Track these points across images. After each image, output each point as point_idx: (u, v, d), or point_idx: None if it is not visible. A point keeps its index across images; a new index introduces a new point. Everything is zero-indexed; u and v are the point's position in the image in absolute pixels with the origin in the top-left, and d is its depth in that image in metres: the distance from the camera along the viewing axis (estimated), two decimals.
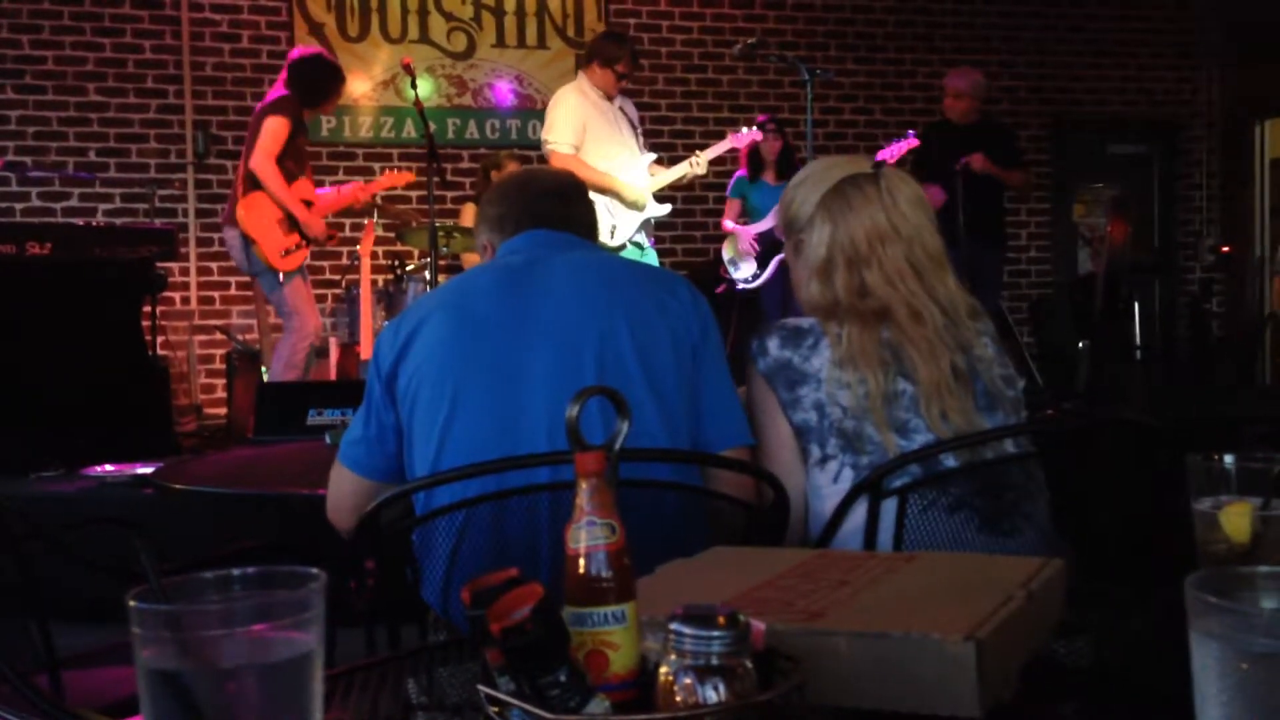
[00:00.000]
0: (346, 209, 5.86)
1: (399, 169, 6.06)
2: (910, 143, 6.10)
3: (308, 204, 5.37)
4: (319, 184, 5.67)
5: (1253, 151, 9.02)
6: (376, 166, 7.42)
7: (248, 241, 5.26)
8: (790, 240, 1.92)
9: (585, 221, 1.97)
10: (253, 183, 5.22)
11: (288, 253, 5.28)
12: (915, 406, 1.74)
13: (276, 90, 5.36)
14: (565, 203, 1.94)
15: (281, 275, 5.29)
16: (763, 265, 6.70)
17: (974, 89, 6.44)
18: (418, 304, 1.83)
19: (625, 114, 5.60)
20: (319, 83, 5.36)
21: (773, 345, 1.80)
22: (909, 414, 1.74)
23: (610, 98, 5.50)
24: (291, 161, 5.29)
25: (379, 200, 6.08)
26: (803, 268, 1.89)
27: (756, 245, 6.68)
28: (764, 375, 1.80)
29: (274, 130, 5.17)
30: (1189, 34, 9.05)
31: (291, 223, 5.27)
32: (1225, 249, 9.05)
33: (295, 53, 5.58)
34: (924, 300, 1.80)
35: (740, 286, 6.72)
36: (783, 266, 6.79)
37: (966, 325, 1.82)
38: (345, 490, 1.83)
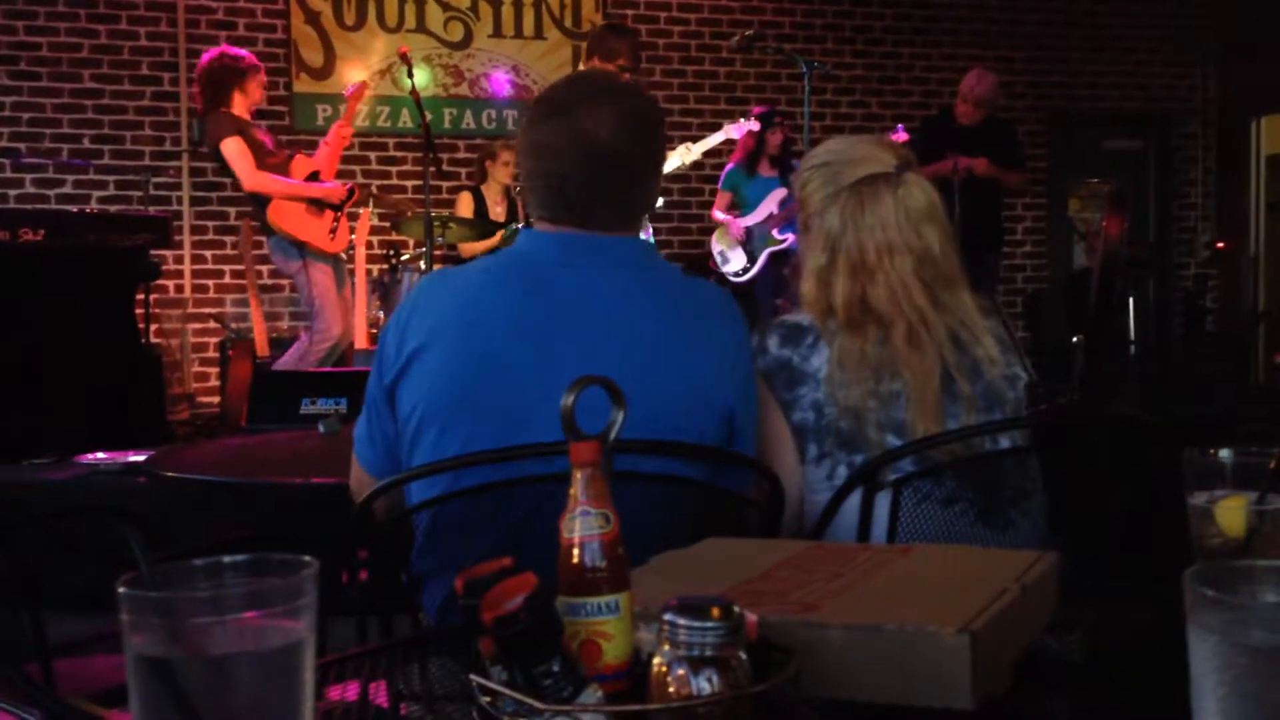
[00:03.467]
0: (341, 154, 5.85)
1: (355, 84, 5.98)
2: (899, 136, 6.07)
3: (315, 175, 5.44)
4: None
5: (1249, 148, 9.02)
6: (372, 155, 7.41)
7: (297, 243, 5.33)
8: (801, 218, 1.87)
9: (620, 196, 1.65)
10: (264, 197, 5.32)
11: (333, 232, 5.38)
12: (908, 409, 1.74)
13: (198, 106, 5.50)
14: (595, 176, 1.62)
15: (341, 256, 5.40)
16: (752, 259, 6.69)
17: (992, 91, 6.42)
18: (424, 308, 1.63)
19: None
20: (213, 81, 5.36)
21: (772, 344, 1.79)
22: (907, 414, 1.74)
23: None
24: (269, 157, 5.33)
25: (375, 190, 6.08)
26: (807, 253, 1.84)
27: (746, 236, 6.67)
28: (763, 374, 1.78)
29: (235, 152, 5.22)
30: (1186, 30, 9.05)
31: (317, 204, 5.34)
32: (1220, 245, 9.06)
33: (201, 60, 5.56)
34: (929, 317, 1.76)
35: (731, 280, 6.70)
36: (773, 259, 6.84)
37: (975, 325, 1.80)
38: (364, 481, 1.74)
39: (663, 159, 1.74)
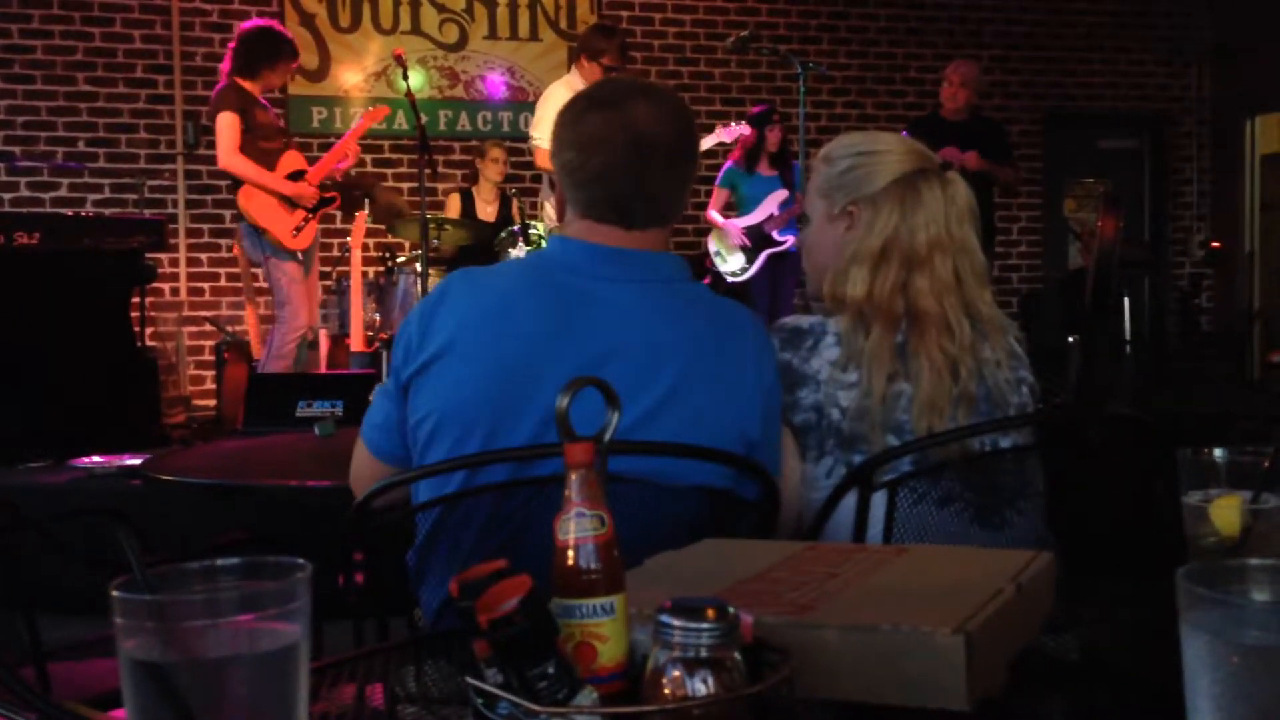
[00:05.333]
0: (343, 172, 5.84)
1: (373, 108, 6.03)
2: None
3: (301, 174, 5.38)
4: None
5: (1243, 147, 9.04)
6: (368, 158, 7.41)
7: (258, 230, 5.28)
8: (837, 205, 1.83)
9: (663, 191, 1.66)
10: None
11: (298, 230, 5.32)
12: (912, 408, 1.74)
13: (224, 66, 5.38)
14: (642, 168, 1.63)
15: (300, 254, 5.34)
16: (751, 260, 6.68)
17: (977, 80, 6.46)
18: (450, 309, 1.62)
19: None
20: (254, 49, 5.32)
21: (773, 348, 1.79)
22: (907, 415, 1.73)
23: None
24: (264, 140, 5.29)
25: (375, 192, 6.08)
26: (845, 245, 1.80)
27: (747, 240, 6.67)
28: None
29: (225, 126, 5.20)
30: (1181, 29, 9.07)
31: (289, 200, 5.30)
32: (1215, 244, 9.07)
33: (243, 25, 5.57)
34: (958, 315, 1.76)
35: (728, 280, 6.70)
36: (771, 260, 6.85)
37: (993, 339, 1.80)
38: (365, 473, 1.72)
39: (698, 159, 1.75)
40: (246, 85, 5.31)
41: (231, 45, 5.39)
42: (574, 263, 1.65)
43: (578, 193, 1.66)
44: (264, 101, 5.41)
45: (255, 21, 5.53)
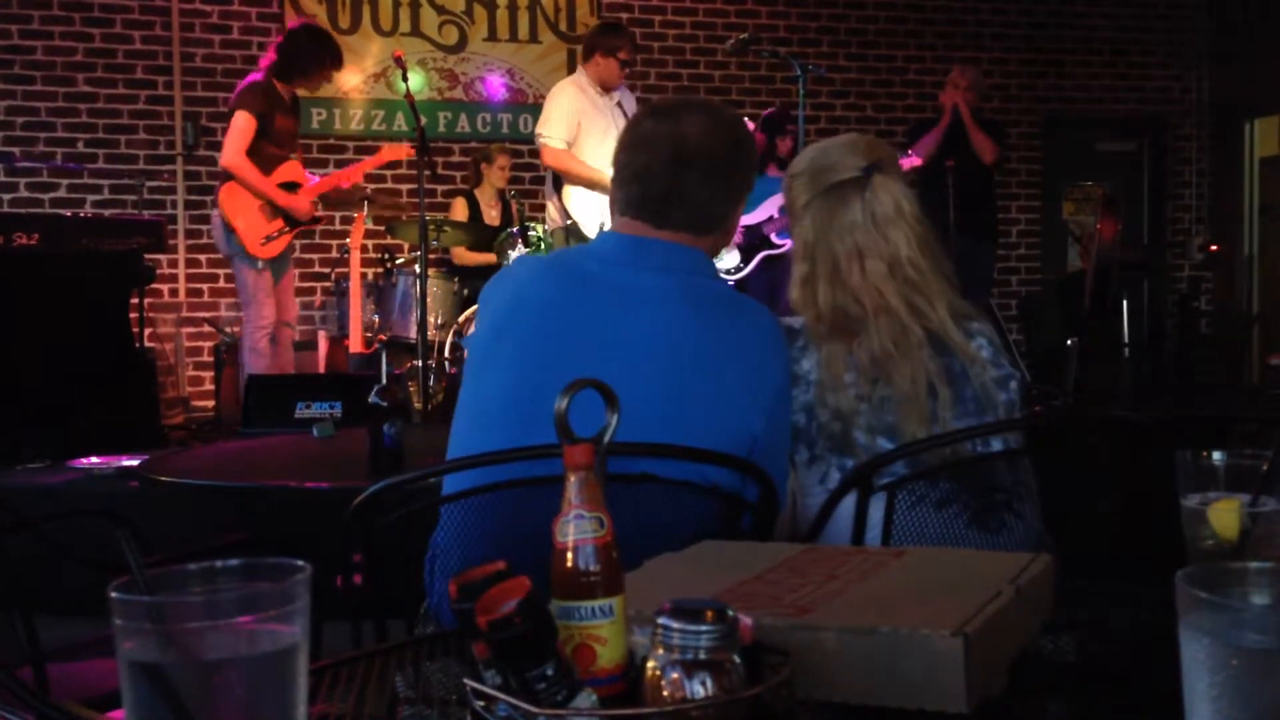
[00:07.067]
0: (342, 195, 5.84)
1: (395, 145, 6.05)
2: (913, 160, 6.06)
3: (294, 185, 5.36)
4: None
5: (1242, 150, 9.04)
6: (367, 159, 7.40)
7: (229, 228, 5.26)
8: (790, 226, 1.93)
9: (699, 196, 1.72)
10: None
11: (268, 240, 5.28)
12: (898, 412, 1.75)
13: (265, 60, 5.35)
14: (680, 171, 1.70)
15: (260, 263, 5.31)
16: (746, 259, 6.68)
17: (979, 84, 6.52)
18: (489, 296, 1.77)
19: (623, 109, 5.57)
20: (300, 54, 5.29)
21: None
22: (896, 416, 1.74)
23: (609, 90, 5.48)
24: (273, 146, 5.27)
25: (369, 193, 6.07)
26: (793, 260, 1.89)
27: (742, 238, 6.67)
28: None
29: (238, 125, 5.16)
30: (1180, 32, 9.07)
31: (274, 209, 5.28)
32: (1214, 247, 9.07)
33: (293, 22, 5.55)
34: (904, 314, 1.77)
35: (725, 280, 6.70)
36: (766, 262, 6.84)
37: (955, 330, 1.80)
38: None
39: (750, 179, 1.82)
40: (280, 86, 5.28)
41: (278, 40, 5.36)
42: (598, 250, 1.76)
43: (618, 190, 1.76)
44: (289, 105, 5.39)
45: (302, 21, 5.48)
